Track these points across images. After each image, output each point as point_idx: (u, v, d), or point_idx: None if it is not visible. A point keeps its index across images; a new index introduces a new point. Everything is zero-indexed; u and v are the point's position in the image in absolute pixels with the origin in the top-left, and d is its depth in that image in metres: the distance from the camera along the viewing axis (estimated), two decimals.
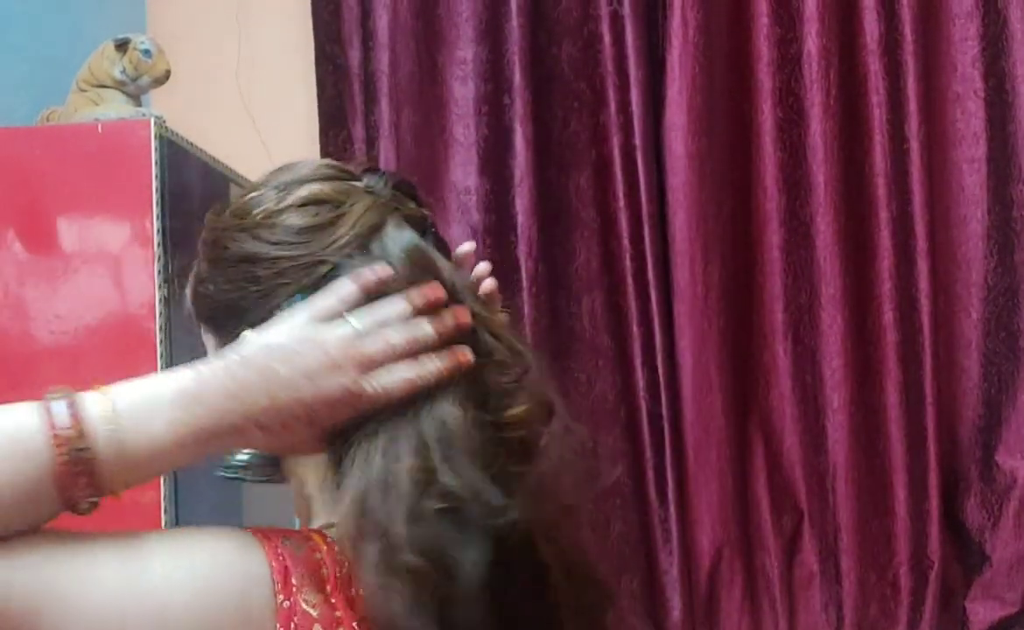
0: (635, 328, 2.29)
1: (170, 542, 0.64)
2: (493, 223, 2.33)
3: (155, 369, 1.53)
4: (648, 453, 2.28)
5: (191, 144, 1.79)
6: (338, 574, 0.65)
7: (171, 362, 1.59)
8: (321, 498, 0.72)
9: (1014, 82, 2.24)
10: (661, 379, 2.28)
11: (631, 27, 2.28)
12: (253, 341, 0.66)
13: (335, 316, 0.67)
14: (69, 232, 1.68)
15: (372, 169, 0.75)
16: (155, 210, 1.62)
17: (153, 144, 1.63)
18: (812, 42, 2.25)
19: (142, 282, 1.62)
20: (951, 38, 2.27)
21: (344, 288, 0.68)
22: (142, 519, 1.39)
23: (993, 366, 2.27)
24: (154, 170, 1.63)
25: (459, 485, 0.65)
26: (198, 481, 1.62)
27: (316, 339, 0.66)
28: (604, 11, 2.31)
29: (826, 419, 2.29)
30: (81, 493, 0.61)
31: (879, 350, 2.26)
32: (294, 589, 0.63)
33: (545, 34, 2.36)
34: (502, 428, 0.70)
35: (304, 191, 0.72)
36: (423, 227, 0.74)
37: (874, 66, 2.23)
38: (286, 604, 0.63)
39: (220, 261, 0.73)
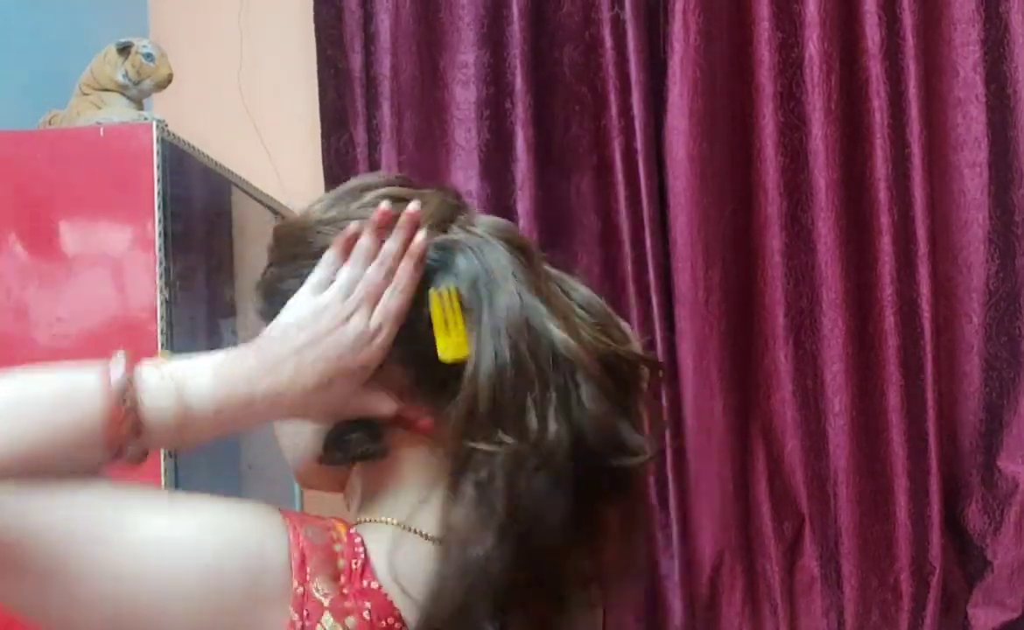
0: (636, 332, 2.29)
1: (201, 511, 0.68)
2: None
3: None
4: None
5: (193, 148, 1.80)
6: (354, 565, 0.69)
7: None
8: (364, 500, 0.76)
9: (1015, 86, 2.24)
10: (662, 382, 2.28)
11: (632, 31, 2.28)
12: (270, 326, 0.73)
13: (328, 282, 0.73)
14: (71, 235, 1.68)
15: (429, 186, 0.82)
16: (157, 213, 1.62)
17: (155, 148, 1.64)
18: (813, 46, 2.25)
19: (144, 285, 1.62)
20: (952, 42, 2.27)
21: (327, 257, 0.74)
22: None
23: (994, 371, 2.27)
24: (156, 174, 1.63)
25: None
26: (200, 472, 1.62)
27: (320, 302, 0.72)
28: (605, 15, 2.32)
29: (827, 423, 2.29)
30: (126, 438, 0.66)
31: (880, 354, 2.26)
32: (308, 576, 0.67)
33: (546, 38, 2.36)
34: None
35: (382, 191, 0.78)
36: None
37: (875, 70, 2.23)
38: (300, 590, 0.66)
39: (300, 256, 0.78)
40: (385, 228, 0.74)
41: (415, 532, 0.72)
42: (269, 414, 0.71)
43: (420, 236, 0.73)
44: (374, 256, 0.73)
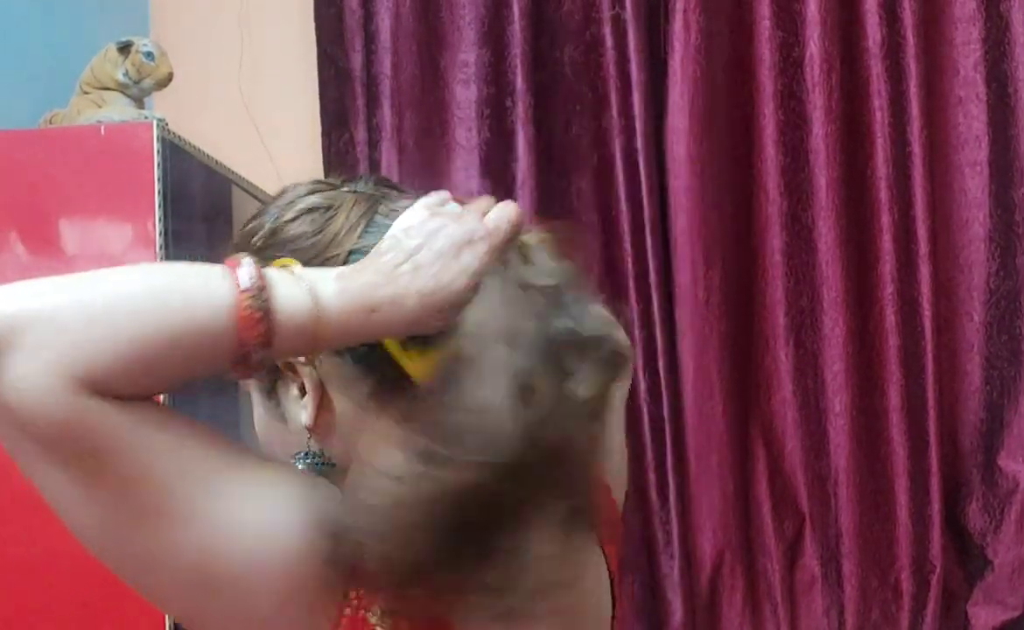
0: (636, 332, 2.29)
1: (289, 483, 0.68)
2: None
3: None
4: (649, 456, 2.28)
5: (193, 147, 1.79)
6: None
7: None
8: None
9: (1016, 85, 2.24)
10: (662, 383, 2.28)
11: (633, 31, 2.28)
12: (382, 240, 0.71)
13: (440, 205, 0.73)
14: (71, 234, 1.68)
15: (351, 179, 0.80)
16: (157, 212, 1.62)
17: (155, 147, 1.63)
18: (814, 45, 2.25)
19: None
20: (953, 42, 2.27)
21: (440, 192, 0.75)
22: None
23: (995, 370, 2.27)
24: (156, 172, 1.63)
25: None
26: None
27: (430, 215, 0.71)
28: (606, 15, 2.31)
29: (828, 423, 2.29)
30: (259, 340, 0.64)
31: (881, 354, 2.26)
32: None
33: (547, 37, 2.36)
34: None
35: (300, 205, 0.77)
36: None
37: (876, 70, 2.23)
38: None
39: None
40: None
41: None
42: (392, 320, 0.68)
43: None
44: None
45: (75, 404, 0.60)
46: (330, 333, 0.67)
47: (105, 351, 0.60)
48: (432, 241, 0.69)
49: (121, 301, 0.62)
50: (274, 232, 0.76)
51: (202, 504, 0.64)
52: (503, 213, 0.71)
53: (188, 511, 0.63)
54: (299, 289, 0.66)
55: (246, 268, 0.65)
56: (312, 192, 0.78)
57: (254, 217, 0.79)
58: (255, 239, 0.77)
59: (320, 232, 0.75)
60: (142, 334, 0.62)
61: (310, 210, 0.76)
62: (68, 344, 0.60)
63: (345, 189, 0.78)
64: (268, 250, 0.75)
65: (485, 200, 0.75)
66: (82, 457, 0.61)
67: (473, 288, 0.68)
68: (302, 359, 0.73)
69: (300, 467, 0.75)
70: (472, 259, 0.68)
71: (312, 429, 0.75)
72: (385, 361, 0.71)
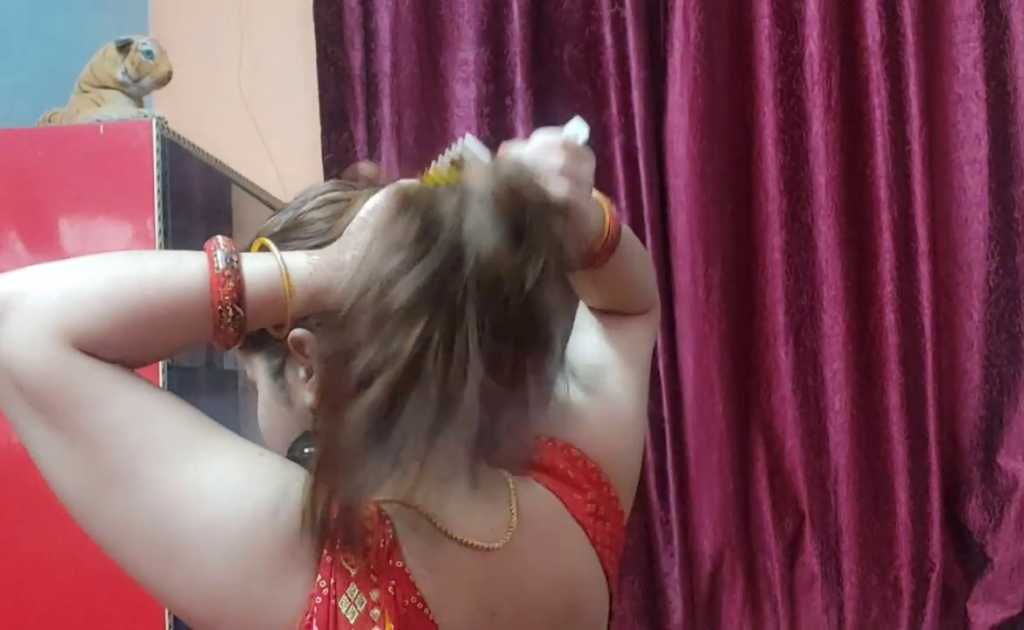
0: None
1: (263, 459, 0.70)
2: None
3: (156, 368, 1.53)
4: (649, 455, 2.28)
5: (193, 145, 1.79)
6: (381, 544, 0.70)
7: (173, 362, 1.59)
8: None
9: (1016, 83, 2.24)
10: (662, 381, 2.28)
11: (633, 29, 2.28)
12: (352, 221, 0.77)
13: None
14: (71, 233, 1.68)
15: (375, 183, 0.86)
16: (157, 211, 1.62)
17: (155, 145, 1.64)
18: (814, 44, 2.25)
19: None
20: (952, 40, 2.27)
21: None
22: None
23: (994, 368, 2.27)
24: (156, 171, 1.63)
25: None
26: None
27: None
28: (606, 13, 2.32)
29: (827, 421, 2.29)
30: (230, 300, 0.69)
31: (880, 352, 2.26)
32: (338, 546, 0.68)
33: (547, 36, 2.36)
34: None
35: (320, 197, 0.83)
36: None
37: (875, 68, 2.23)
38: (329, 559, 0.68)
39: None
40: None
41: (441, 529, 0.73)
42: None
43: None
44: None
45: (60, 356, 0.66)
46: (299, 298, 0.71)
47: (89, 311, 0.67)
48: None
49: (106, 270, 0.70)
50: (295, 218, 0.82)
51: (168, 470, 0.67)
52: None
53: (154, 475, 0.66)
54: (268, 254, 0.72)
55: (219, 241, 0.71)
56: (334, 189, 0.84)
57: (278, 210, 0.86)
58: (277, 226, 0.82)
59: (336, 218, 0.80)
60: (123, 296, 0.68)
61: (329, 202, 0.82)
62: (56, 304, 0.67)
63: (365, 188, 0.83)
64: (287, 232, 0.81)
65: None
66: (64, 412, 0.66)
67: None
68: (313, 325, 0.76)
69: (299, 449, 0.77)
70: None
71: (316, 410, 0.77)
72: None
